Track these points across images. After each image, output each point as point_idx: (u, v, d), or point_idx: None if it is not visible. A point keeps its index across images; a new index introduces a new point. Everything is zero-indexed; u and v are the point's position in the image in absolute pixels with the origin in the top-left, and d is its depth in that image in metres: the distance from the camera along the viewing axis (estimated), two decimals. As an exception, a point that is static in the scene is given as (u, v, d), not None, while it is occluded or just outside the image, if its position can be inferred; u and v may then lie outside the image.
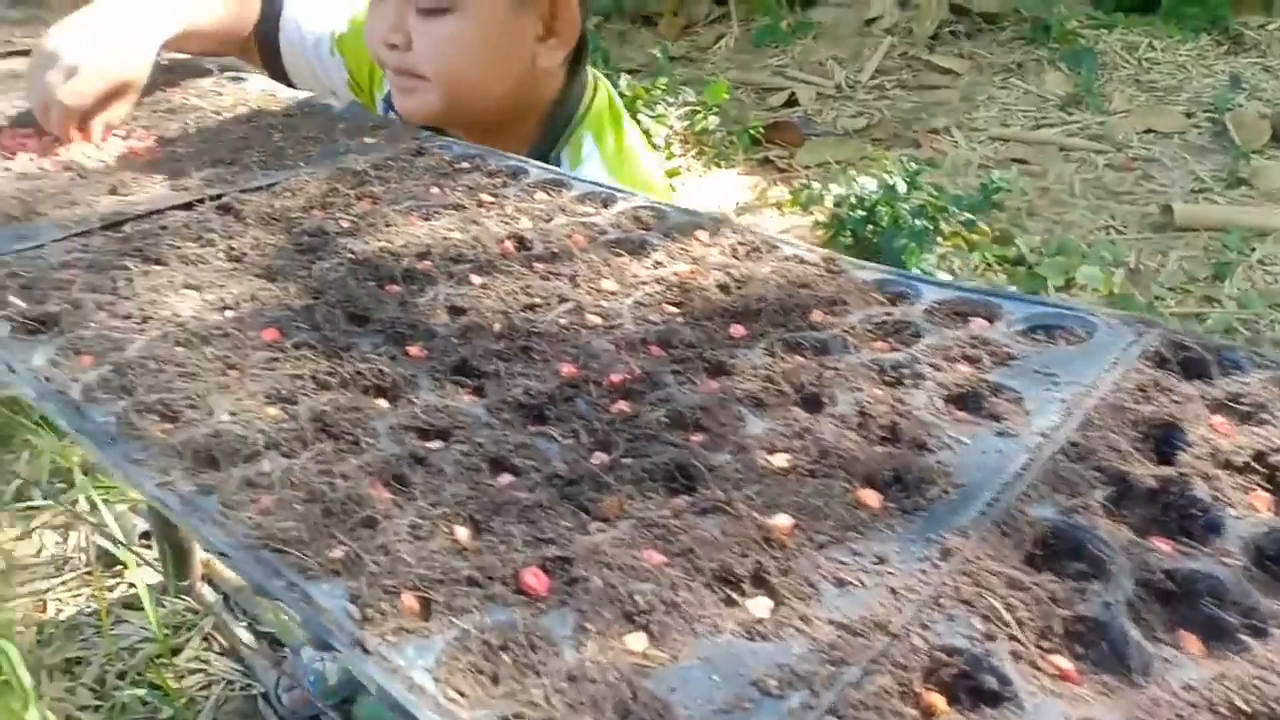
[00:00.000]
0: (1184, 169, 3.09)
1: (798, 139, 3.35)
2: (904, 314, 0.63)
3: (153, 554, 1.63)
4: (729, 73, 3.81)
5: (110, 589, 1.76)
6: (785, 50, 3.97)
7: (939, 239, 2.51)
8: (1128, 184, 3.05)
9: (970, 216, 2.59)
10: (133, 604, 1.69)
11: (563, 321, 0.66)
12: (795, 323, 0.63)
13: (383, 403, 0.59)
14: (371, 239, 0.79)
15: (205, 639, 1.65)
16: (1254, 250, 2.62)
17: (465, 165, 0.93)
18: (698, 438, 0.53)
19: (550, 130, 1.09)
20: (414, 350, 0.64)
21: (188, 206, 0.85)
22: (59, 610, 1.70)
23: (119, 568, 1.75)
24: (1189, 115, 3.40)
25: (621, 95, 3.39)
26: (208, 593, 1.55)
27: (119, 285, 0.71)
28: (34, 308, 0.68)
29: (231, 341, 0.64)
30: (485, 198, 0.86)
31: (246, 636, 1.54)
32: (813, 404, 0.55)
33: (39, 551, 1.86)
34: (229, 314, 0.68)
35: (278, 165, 0.94)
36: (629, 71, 3.49)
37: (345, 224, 0.82)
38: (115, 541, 1.76)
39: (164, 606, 1.64)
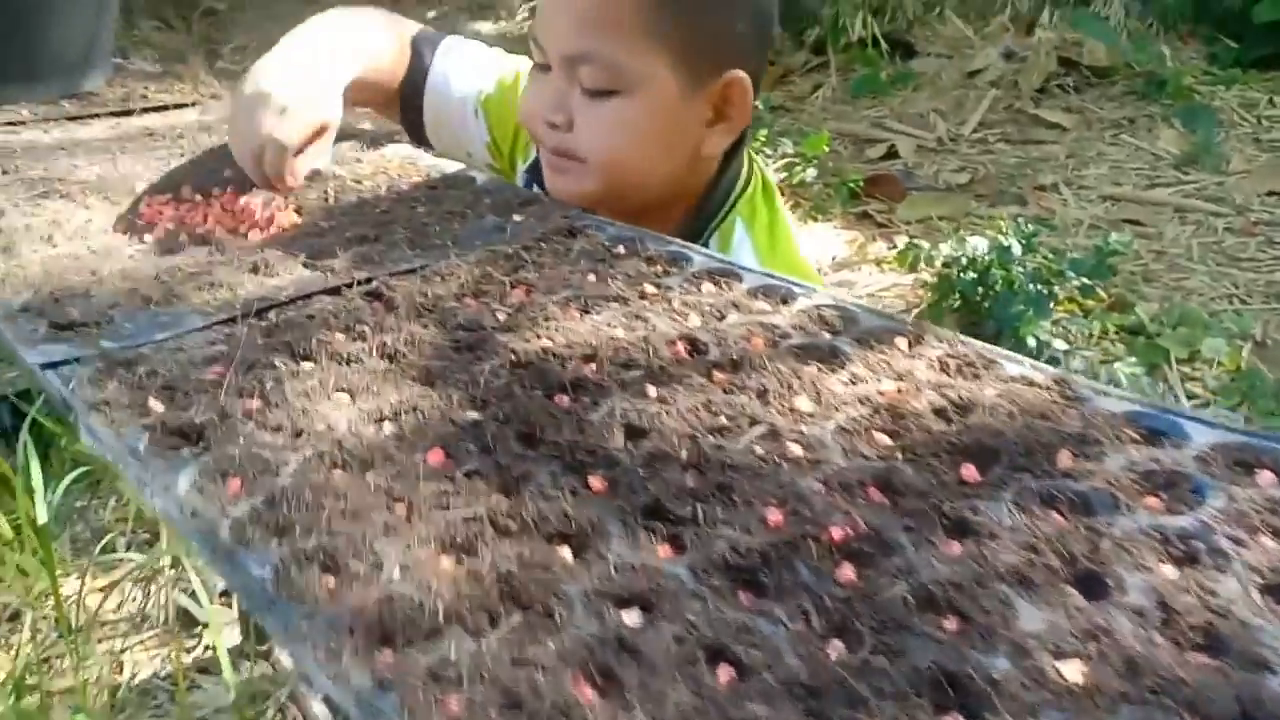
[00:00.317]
0: (1313, 234, 2.93)
1: (898, 193, 3.25)
2: (1174, 461, 0.54)
3: (233, 612, 1.59)
4: (827, 123, 3.73)
5: (189, 649, 1.72)
6: (884, 101, 3.89)
7: (1053, 305, 2.39)
8: (1250, 250, 2.89)
9: (1086, 281, 2.46)
10: (209, 668, 1.64)
11: (759, 450, 0.59)
12: (1041, 466, 0.55)
13: (567, 553, 0.51)
14: (532, 336, 0.73)
15: (280, 710, 1.59)
16: (1396, 326, 2.45)
17: (622, 250, 0.87)
18: (955, 625, 0.45)
19: (701, 215, 1.03)
20: (596, 482, 0.57)
21: (335, 291, 0.80)
22: (135, 672, 1.66)
23: (199, 627, 1.71)
24: (1316, 177, 3.22)
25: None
26: (286, 658, 1.50)
27: (267, 387, 0.66)
28: (175, 414, 0.63)
29: (395, 466, 0.58)
30: (648, 289, 0.79)
31: (322, 711, 1.48)
32: (1093, 586, 0.46)
33: (120, 606, 1.82)
34: (388, 428, 0.62)
35: (424, 244, 0.89)
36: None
37: (502, 316, 0.76)
38: (195, 599, 1.72)
39: (240, 673, 1.59)
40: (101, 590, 1.81)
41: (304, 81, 0.98)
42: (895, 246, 2.90)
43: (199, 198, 0.98)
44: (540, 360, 0.70)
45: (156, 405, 0.64)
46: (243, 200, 0.97)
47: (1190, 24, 4.05)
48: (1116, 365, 2.34)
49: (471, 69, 1.15)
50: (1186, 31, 4.06)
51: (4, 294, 0.77)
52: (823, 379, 0.65)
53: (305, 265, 0.85)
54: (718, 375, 0.67)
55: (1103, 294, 2.49)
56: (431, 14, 5.34)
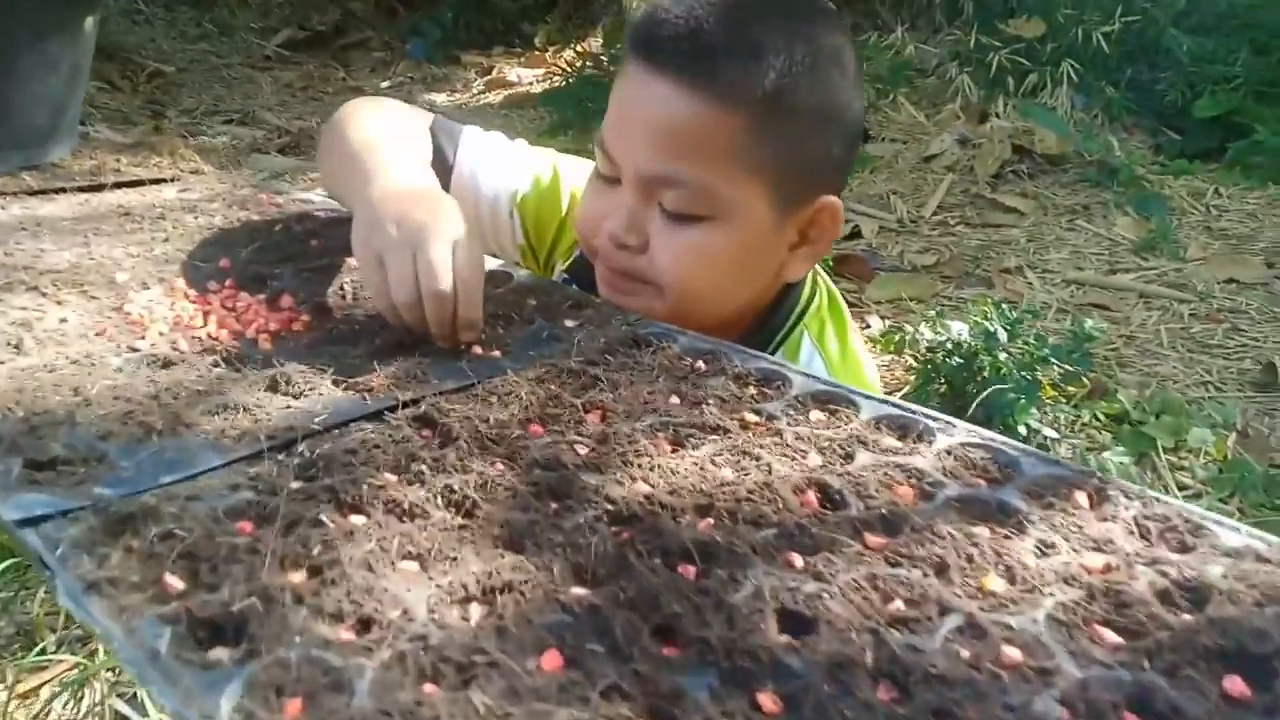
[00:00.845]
0: (1274, 322, 2.96)
1: (867, 273, 3.22)
2: None
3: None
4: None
5: (128, 765, 1.51)
6: (845, 182, 3.87)
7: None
8: (1218, 336, 2.90)
9: (1069, 368, 2.43)
10: (152, 785, 1.44)
11: (963, 652, 0.47)
12: (1330, 682, 0.44)
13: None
14: (625, 478, 0.61)
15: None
16: (1370, 417, 2.46)
17: (703, 366, 0.76)
18: None
19: (766, 328, 0.94)
20: (768, 702, 0.44)
21: (377, 416, 0.67)
22: (61, 799, 1.45)
23: (139, 738, 1.51)
24: (1270, 265, 3.28)
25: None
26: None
27: (315, 552, 0.52)
28: (203, 598, 0.49)
29: (503, 678, 0.44)
30: (749, 417, 0.68)
31: None
32: None
33: (45, 714, 1.61)
34: (478, 613, 0.49)
35: (469, 354, 0.76)
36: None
37: (583, 450, 0.64)
38: (136, 706, 1.52)
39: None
40: (25, 696, 1.60)
41: (444, 200, 0.82)
42: (869, 326, 2.84)
43: (193, 293, 0.84)
44: (646, 512, 0.57)
45: (176, 582, 0.50)
46: (245, 297, 0.84)
47: (1134, 116, 4.16)
48: (1105, 454, 2.30)
49: (502, 165, 1.04)
50: (1131, 123, 4.16)
51: (-35, 420, 0.62)
52: (1007, 547, 0.54)
53: (335, 382, 0.71)
54: (871, 539, 0.55)
55: (1086, 382, 2.46)
56: (385, 84, 5.25)
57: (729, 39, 0.80)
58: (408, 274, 0.75)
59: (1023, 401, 2.19)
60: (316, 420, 0.65)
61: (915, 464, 0.62)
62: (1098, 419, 2.38)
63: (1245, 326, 2.97)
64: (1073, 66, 3.89)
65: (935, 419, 0.67)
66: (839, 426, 0.67)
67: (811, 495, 0.59)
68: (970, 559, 0.53)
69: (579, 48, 5.49)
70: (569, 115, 4.52)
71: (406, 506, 0.57)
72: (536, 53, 5.71)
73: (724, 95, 0.79)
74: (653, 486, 0.60)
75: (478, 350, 0.77)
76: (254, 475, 0.59)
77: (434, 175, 0.90)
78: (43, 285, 0.82)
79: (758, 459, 0.63)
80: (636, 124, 0.83)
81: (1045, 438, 2.26)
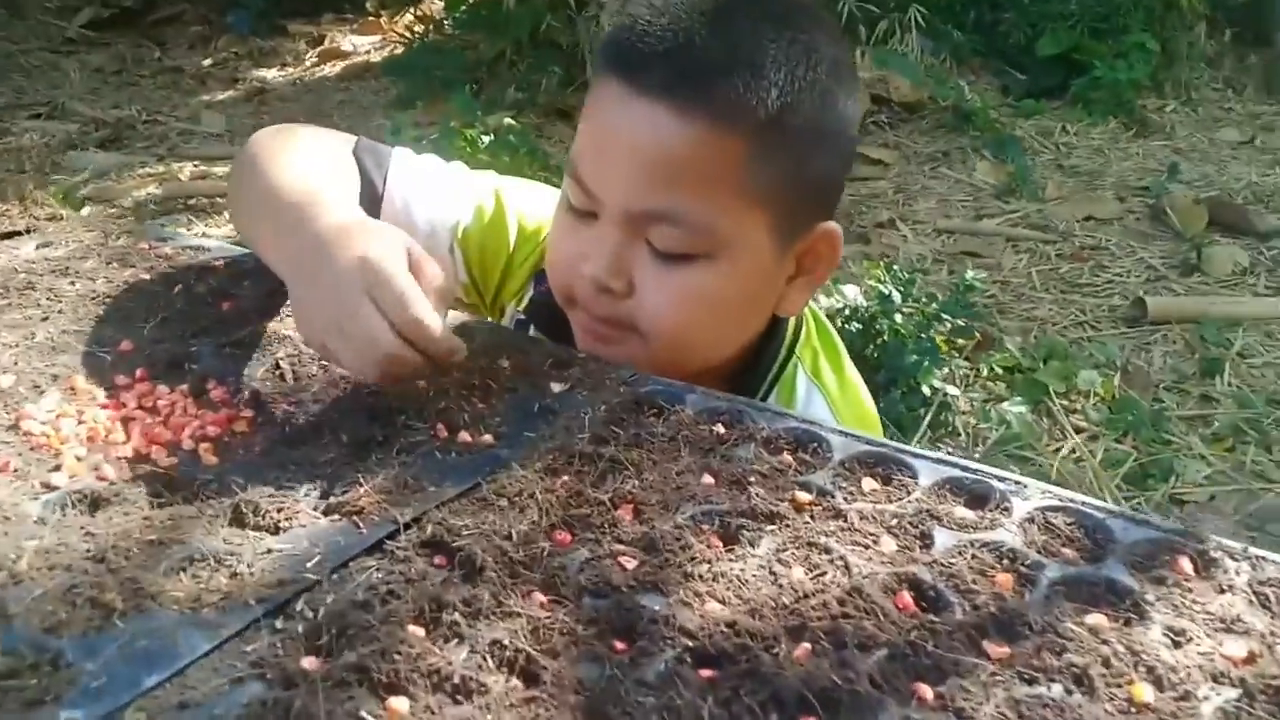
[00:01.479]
0: (1133, 257, 3.10)
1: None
2: None
3: None
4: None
5: None
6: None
7: (928, 347, 2.37)
8: (1085, 275, 3.02)
9: (960, 323, 2.47)
10: None
11: (1149, 791, 0.42)
12: None
13: None
14: (692, 598, 0.53)
15: None
16: (1232, 343, 2.61)
17: (721, 429, 0.68)
18: None
19: (759, 367, 0.85)
20: None
21: (377, 547, 0.56)
22: None
23: None
24: (1121, 200, 3.44)
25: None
26: None
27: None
28: None
29: None
30: (800, 496, 0.61)
31: None
32: None
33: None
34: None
35: (455, 443, 0.66)
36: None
37: (630, 563, 0.56)
38: None
39: None
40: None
41: (370, 226, 0.72)
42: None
43: (101, 394, 0.70)
44: (735, 647, 0.50)
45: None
46: (164, 392, 0.70)
47: (981, 58, 4.26)
48: (1004, 405, 2.35)
49: (438, 193, 0.91)
50: (978, 65, 4.27)
51: None
52: (1138, 641, 0.49)
53: (314, 504, 0.60)
54: (993, 649, 0.50)
55: (976, 334, 2.51)
56: (207, 61, 4.85)
57: (724, 53, 0.71)
58: (377, 324, 0.65)
59: (926, 363, 2.21)
60: (309, 566, 0.54)
61: (1002, 541, 0.56)
62: (994, 371, 2.43)
63: (1108, 263, 3.10)
64: (920, 12, 3.94)
65: (1002, 479, 0.61)
66: (901, 498, 0.61)
67: (906, 596, 0.53)
68: (1107, 663, 0.48)
69: (417, 11, 5.23)
70: (417, 86, 4.29)
71: (457, 680, 0.47)
72: (370, 18, 5.40)
73: (722, 117, 0.70)
74: (727, 605, 0.53)
75: (466, 437, 0.67)
76: (256, 659, 0.48)
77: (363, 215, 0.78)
78: (-94, 403, 0.67)
79: (828, 552, 0.56)
80: (621, 153, 0.73)
81: (948, 394, 2.30)
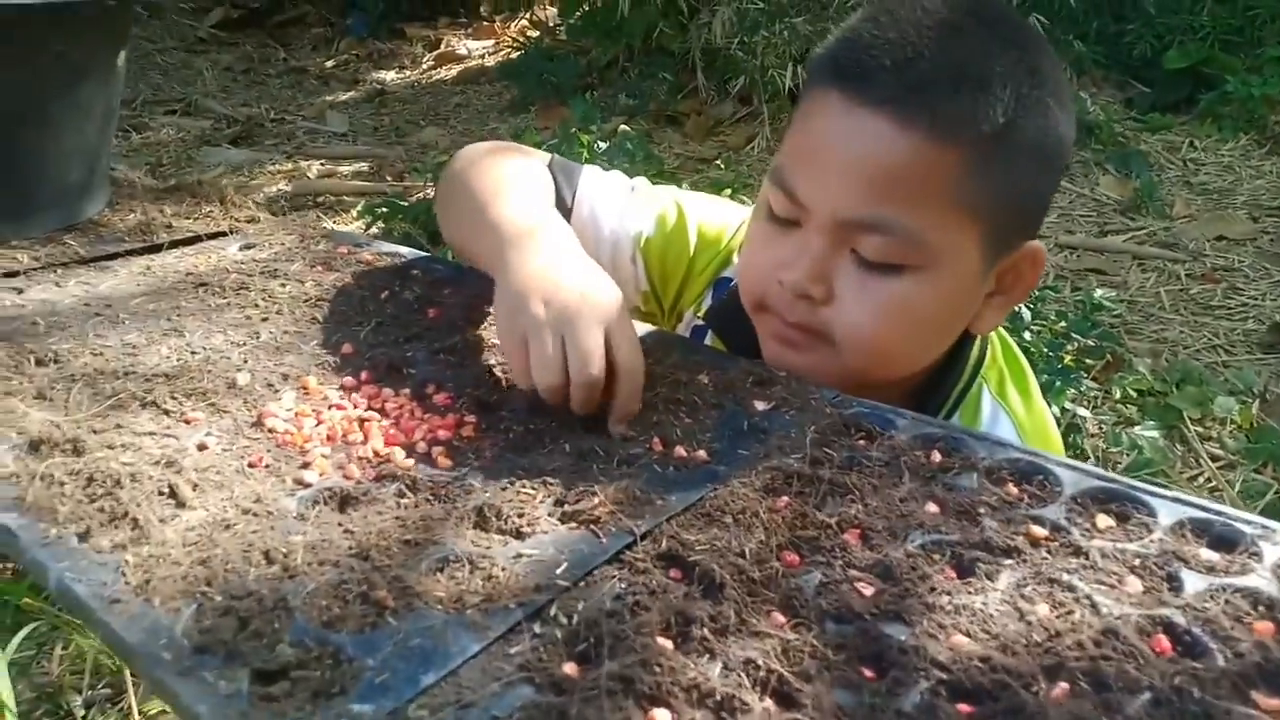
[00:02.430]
0: (1268, 279, 2.98)
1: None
2: None
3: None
4: (773, 175, 3.62)
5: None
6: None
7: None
8: (1218, 297, 2.91)
9: (1088, 342, 2.41)
10: None
11: None
12: None
13: None
14: (936, 628, 0.53)
15: None
16: (1378, 374, 2.49)
17: (939, 458, 0.68)
18: None
19: (943, 384, 0.84)
20: None
21: (616, 557, 0.58)
22: None
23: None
24: (1254, 220, 3.31)
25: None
26: None
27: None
28: None
29: None
30: (1035, 530, 0.60)
31: None
32: None
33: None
34: None
35: (669, 455, 0.67)
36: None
37: (867, 590, 0.56)
38: None
39: None
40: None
41: (594, 275, 0.76)
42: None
43: (332, 394, 0.73)
44: (993, 683, 0.50)
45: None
46: (390, 395, 0.73)
47: (1104, 70, 4.15)
48: (1136, 429, 2.29)
49: (623, 205, 0.93)
50: (1101, 78, 4.15)
51: (155, 613, 0.51)
52: None
53: (550, 511, 0.62)
54: (1261, 699, 0.49)
55: (1106, 356, 2.44)
56: (330, 63, 5.01)
57: (952, 68, 0.71)
58: (553, 357, 0.69)
59: (1058, 384, 2.16)
60: (559, 572, 0.56)
61: (1256, 588, 0.55)
62: (1127, 394, 2.36)
63: (1242, 285, 2.99)
64: (1040, 21, 3.85)
65: (1247, 521, 0.60)
66: (1141, 537, 0.60)
67: (1163, 639, 0.52)
68: (1390, 721, 0.47)
69: (531, 16, 5.31)
70: (530, 90, 4.37)
71: (718, 697, 0.48)
72: (484, 23, 5.51)
73: (946, 131, 0.71)
74: (974, 639, 0.53)
75: (681, 452, 0.68)
76: (522, 661, 0.50)
77: (574, 236, 0.80)
78: (159, 398, 0.70)
79: (1072, 590, 0.56)
80: (838, 162, 0.73)
81: (1079, 417, 2.24)
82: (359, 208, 3.16)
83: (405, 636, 0.51)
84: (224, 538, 0.57)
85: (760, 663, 0.51)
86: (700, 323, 0.94)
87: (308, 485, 0.63)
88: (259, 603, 0.52)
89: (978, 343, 0.86)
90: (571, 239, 0.79)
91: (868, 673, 0.51)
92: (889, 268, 0.74)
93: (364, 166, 3.67)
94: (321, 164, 3.68)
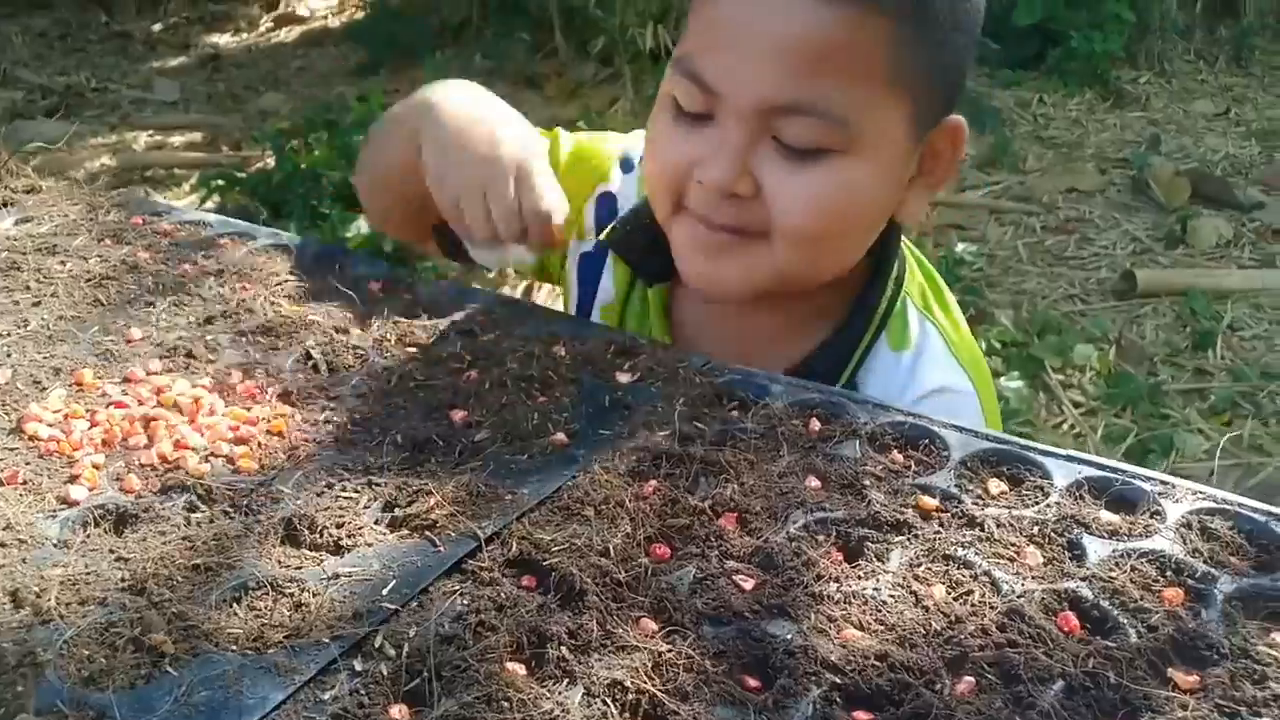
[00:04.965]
0: (1118, 229, 3.08)
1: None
2: None
3: None
4: (637, 137, 3.55)
5: None
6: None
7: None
8: (1071, 248, 3.00)
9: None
10: None
11: None
12: None
13: None
14: (825, 622, 0.47)
15: None
16: (1222, 316, 2.60)
17: (819, 425, 0.61)
18: None
19: (868, 300, 0.78)
20: None
21: (457, 568, 0.49)
22: None
23: None
24: (1102, 171, 3.42)
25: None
26: None
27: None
28: None
29: None
30: (925, 500, 0.54)
31: None
32: None
33: None
34: None
35: (518, 437, 0.59)
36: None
37: (747, 584, 0.49)
38: None
39: None
40: None
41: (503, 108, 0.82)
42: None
43: (112, 389, 0.62)
44: (891, 683, 0.43)
45: None
46: (184, 388, 0.62)
47: (956, 26, 4.21)
48: (1000, 381, 2.32)
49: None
50: (953, 33, 4.22)
51: None
52: (1344, 667, 0.44)
53: (376, 516, 0.52)
54: (1180, 678, 0.44)
55: (970, 309, 2.47)
56: (157, 26, 4.64)
57: None
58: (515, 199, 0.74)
59: (926, 338, 2.16)
60: (385, 593, 0.47)
61: (1161, 550, 0.50)
62: (992, 346, 2.40)
63: (1093, 235, 3.08)
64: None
65: (1146, 478, 0.55)
66: (1037, 502, 0.54)
67: (1070, 616, 0.47)
68: (1313, 691, 0.43)
69: (377, -25, 5.05)
70: (379, 51, 4.14)
71: (577, 729, 0.41)
72: (328, -18, 5.22)
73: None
74: (868, 632, 0.46)
75: (534, 436, 0.60)
76: (338, 709, 0.41)
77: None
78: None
79: (969, 566, 0.50)
80: (757, 42, 0.66)
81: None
82: (192, 181, 2.94)
83: (189, 689, 0.41)
84: (-43, 578, 0.46)
85: (628, 683, 0.43)
86: (589, 249, 0.86)
87: (74, 503, 0.51)
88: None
89: (897, 262, 0.80)
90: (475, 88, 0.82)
91: (752, 682, 0.44)
92: (815, 153, 0.68)
93: (197, 137, 3.42)
94: (150, 135, 3.41)
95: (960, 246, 2.70)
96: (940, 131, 0.72)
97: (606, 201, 0.86)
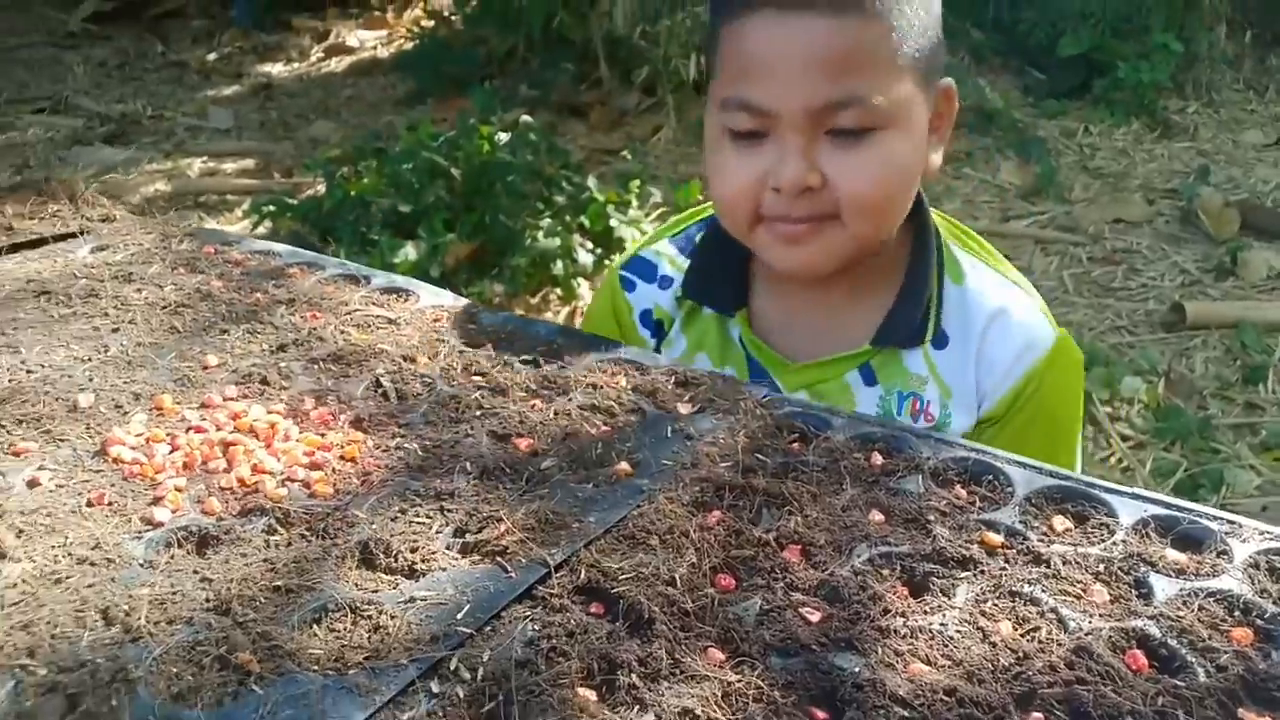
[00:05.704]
0: (1165, 260, 3.05)
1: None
2: None
3: None
4: (679, 167, 3.57)
5: None
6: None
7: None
8: (1119, 279, 2.97)
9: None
10: None
11: None
12: None
13: None
14: (892, 656, 0.47)
15: None
16: (1274, 349, 2.56)
17: (879, 458, 0.61)
18: None
19: (925, 251, 0.88)
20: None
21: (527, 595, 0.50)
22: None
23: None
24: (1150, 202, 3.39)
25: (592, 199, 3.10)
26: None
27: None
28: None
29: None
30: (991, 538, 0.55)
31: None
32: None
33: None
34: None
35: (585, 467, 0.60)
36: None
37: (814, 616, 0.50)
38: None
39: None
40: None
41: None
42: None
43: (192, 416, 0.64)
44: (959, 717, 0.44)
45: None
46: (259, 414, 0.64)
47: (1001, 57, 4.21)
48: (1046, 414, 2.29)
49: None
50: (998, 65, 4.22)
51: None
52: None
53: (449, 543, 0.54)
54: (1250, 716, 0.44)
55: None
56: (212, 56, 4.76)
57: None
58: None
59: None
60: (460, 617, 0.48)
61: (1229, 590, 0.50)
62: (1036, 378, 2.37)
63: (1141, 266, 3.05)
64: (938, 10, 3.88)
65: (1213, 517, 0.55)
66: (1102, 540, 0.54)
67: (1138, 655, 0.47)
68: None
69: (425, 6, 5.16)
70: (426, 81, 4.22)
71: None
72: (375, 13, 5.33)
73: (873, 9, 0.78)
74: (935, 667, 0.47)
75: (600, 465, 0.61)
76: (420, 729, 0.42)
77: None
78: (-14, 429, 0.60)
79: (1036, 603, 0.50)
80: (793, 63, 0.79)
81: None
82: (244, 206, 3.00)
83: (274, 708, 0.42)
84: (53, 594, 0.47)
85: (699, 712, 0.44)
86: (687, 263, 0.93)
87: (158, 525, 0.53)
88: (93, 675, 0.43)
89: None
90: None
91: (820, 714, 0.45)
92: (864, 133, 0.79)
93: (250, 164, 3.50)
94: (204, 162, 3.50)
95: (1005, 277, 2.68)
96: (939, 95, 0.85)
97: (642, 264, 0.95)
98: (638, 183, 2.94)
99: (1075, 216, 3.32)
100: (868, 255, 0.85)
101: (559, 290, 2.67)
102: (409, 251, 2.52)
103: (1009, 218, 3.34)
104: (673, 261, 0.94)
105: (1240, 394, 2.44)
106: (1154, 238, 3.19)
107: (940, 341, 0.87)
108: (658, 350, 0.91)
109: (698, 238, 0.94)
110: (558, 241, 2.67)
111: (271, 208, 2.74)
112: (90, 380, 0.67)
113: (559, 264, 2.63)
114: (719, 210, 0.87)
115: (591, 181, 2.94)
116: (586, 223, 2.83)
